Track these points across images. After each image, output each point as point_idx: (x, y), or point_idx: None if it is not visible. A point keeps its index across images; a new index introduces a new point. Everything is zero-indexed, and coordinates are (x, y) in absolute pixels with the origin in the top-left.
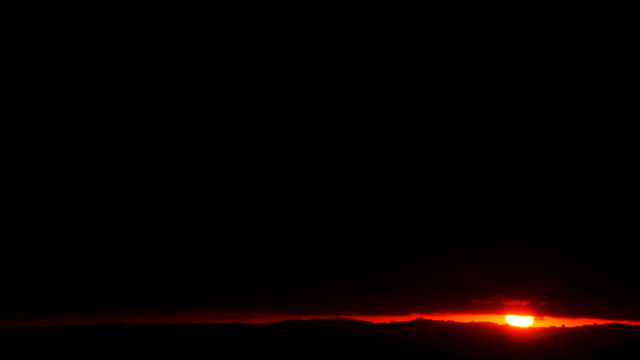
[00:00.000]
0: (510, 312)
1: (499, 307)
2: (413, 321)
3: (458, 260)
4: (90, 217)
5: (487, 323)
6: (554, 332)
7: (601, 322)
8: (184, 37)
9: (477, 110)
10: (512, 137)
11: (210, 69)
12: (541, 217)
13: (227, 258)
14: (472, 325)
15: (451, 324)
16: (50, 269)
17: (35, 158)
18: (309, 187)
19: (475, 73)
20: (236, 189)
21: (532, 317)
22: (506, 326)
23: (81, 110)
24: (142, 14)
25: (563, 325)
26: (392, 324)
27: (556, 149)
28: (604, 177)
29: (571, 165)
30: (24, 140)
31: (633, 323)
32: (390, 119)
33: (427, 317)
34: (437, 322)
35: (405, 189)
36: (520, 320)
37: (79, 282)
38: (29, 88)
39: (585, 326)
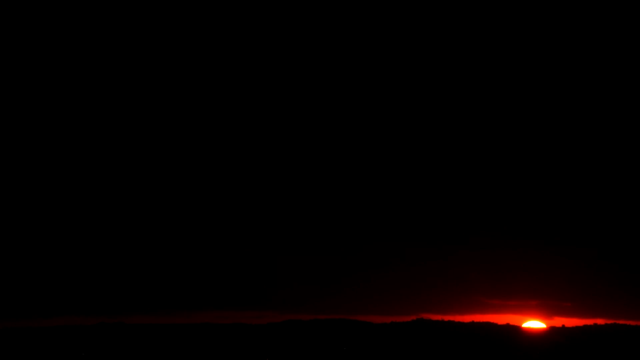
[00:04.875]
0: (511, 313)
1: (501, 308)
2: (413, 321)
3: (459, 260)
4: (90, 217)
5: (488, 323)
6: (554, 332)
7: (601, 322)
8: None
9: (491, 119)
10: (521, 145)
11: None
12: (543, 220)
13: (227, 258)
14: (473, 325)
15: (452, 324)
16: (49, 269)
17: (37, 159)
18: (310, 189)
19: (482, 79)
20: (238, 191)
21: (534, 318)
22: (507, 326)
23: (87, 111)
24: (142, 14)
25: (563, 325)
26: (392, 323)
27: (564, 160)
28: (605, 182)
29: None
30: (25, 141)
31: (633, 323)
32: (394, 124)
33: (427, 317)
34: (437, 322)
35: (409, 192)
36: (521, 321)
37: (79, 282)
38: (36, 88)
39: (585, 326)
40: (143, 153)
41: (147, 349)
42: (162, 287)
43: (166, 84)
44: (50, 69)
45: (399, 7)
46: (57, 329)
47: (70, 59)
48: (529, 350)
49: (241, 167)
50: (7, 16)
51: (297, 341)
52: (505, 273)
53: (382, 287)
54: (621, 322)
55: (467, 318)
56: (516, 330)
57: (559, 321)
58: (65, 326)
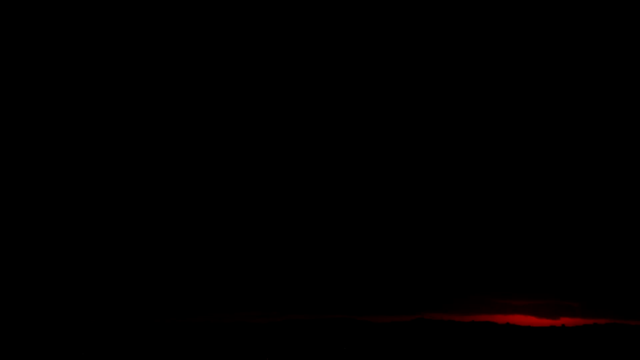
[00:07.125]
0: (511, 313)
1: (502, 308)
2: (413, 321)
3: (460, 261)
4: (92, 220)
5: (488, 323)
6: (554, 332)
7: (601, 321)
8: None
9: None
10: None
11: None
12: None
13: (228, 258)
14: (473, 325)
15: (451, 324)
16: (51, 270)
17: (39, 160)
18: (306, 194)
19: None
20: (237, 193)
21: (538, 318)
22: (507, 326)
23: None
24: (142, 14)
25: (563, 325)
26: (392, 323)
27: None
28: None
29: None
30: (25, 142)
31: (633, 323)
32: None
33: (427, 317)
34: (437, 322)
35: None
36: (521, 320)
37: (79, 282)
38: (36, 88)
39: (585, 326)
40: (141, 152)
41: (147, 348)
42: (163, 288)
43: (172, 85)
44: (51, 69)
45: (399, 7)
46: (58, 329)
47: (71, 59)
48: (528, 349)
49: (240, 169)
50: (7, 16)
51: (297, 341)
52: (508, 274)
53: (382, 287)
54: (621, 322)
55: (467, 318)
56: (516, 330)
57: (561, 321)
58: (66, 326)
